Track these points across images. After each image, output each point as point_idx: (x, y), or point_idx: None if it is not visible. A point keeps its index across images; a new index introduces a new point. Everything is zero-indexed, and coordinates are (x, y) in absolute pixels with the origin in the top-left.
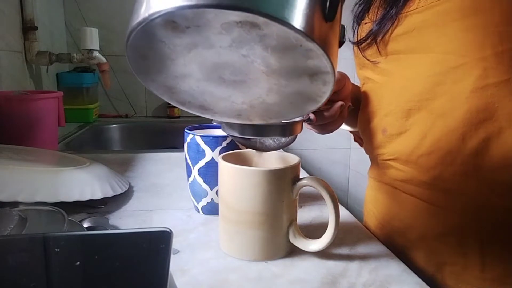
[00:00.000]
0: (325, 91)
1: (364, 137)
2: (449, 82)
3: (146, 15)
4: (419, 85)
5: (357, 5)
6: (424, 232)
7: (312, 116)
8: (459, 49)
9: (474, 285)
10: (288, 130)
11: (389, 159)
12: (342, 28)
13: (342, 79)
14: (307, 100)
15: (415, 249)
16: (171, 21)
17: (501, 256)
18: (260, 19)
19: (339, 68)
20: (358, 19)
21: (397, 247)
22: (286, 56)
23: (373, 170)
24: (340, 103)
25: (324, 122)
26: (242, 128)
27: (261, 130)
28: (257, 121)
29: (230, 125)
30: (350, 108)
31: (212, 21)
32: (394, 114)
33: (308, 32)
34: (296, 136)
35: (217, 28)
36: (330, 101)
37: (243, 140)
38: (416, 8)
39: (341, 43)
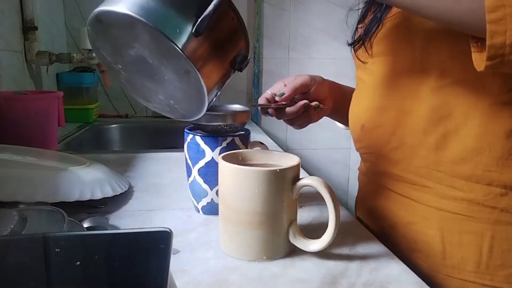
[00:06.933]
0: (199, 82)
1: (351, 133)
2: (415, 83)
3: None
4: (392, 85)
5: (359, 10)
6: (394, 220)
7: (271, 110)
8: (421, 52)
9: (438, 271)
10: (231, 117)
11: (366, 153)
12: (243, 57)
13: (308, 83)
14: (195, 93)
15: (388, 235)
16: (99, 19)
17: (460, 245)
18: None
19: (338, 67)
20: (357, 24)
21: (375, 232)
22: (161, 52)
23: (360, 163)
24: (303, 102)
25: (287, 118)
26: (209, 117)
27: (215, 118)
28: (180, 117)
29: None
30: (316, 106)
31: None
32: (371, 111)
33: (157, 26)
34: (245, 122)
35: (119, 25)
36: (294, 99)
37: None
38: (394, 14)
39: (238, 70)
